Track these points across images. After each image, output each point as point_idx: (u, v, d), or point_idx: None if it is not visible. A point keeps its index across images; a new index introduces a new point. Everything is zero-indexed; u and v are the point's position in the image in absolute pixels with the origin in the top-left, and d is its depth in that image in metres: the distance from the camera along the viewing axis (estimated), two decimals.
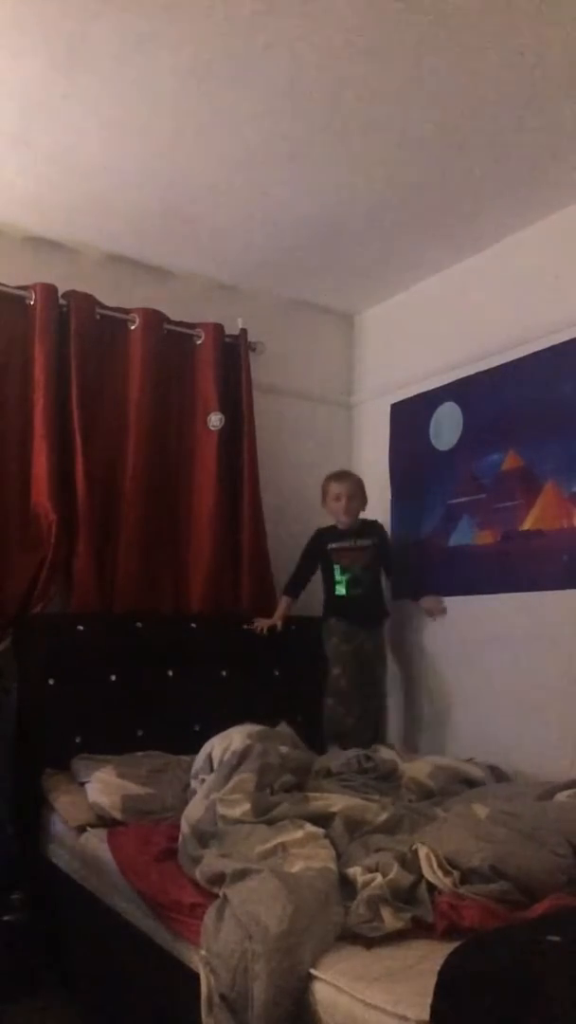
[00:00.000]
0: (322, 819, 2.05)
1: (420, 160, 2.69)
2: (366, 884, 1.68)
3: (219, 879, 1.77)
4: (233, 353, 3.50)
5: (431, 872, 1.73)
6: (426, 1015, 1.25)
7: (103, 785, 2.48)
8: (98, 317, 3.21)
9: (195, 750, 2.60)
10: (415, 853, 1.80)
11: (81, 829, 2.41)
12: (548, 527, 2.95)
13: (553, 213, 3.00)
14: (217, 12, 2.07)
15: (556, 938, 1.30)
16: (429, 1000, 1.25)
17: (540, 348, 3.03)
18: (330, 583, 3.36)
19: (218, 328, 3.45)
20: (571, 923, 1.44)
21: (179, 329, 3.40)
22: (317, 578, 3.40)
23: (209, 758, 2.48)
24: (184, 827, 2.11)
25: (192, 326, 3.44)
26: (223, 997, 1.52)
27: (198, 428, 3.40)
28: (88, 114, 2.47)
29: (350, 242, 3.26)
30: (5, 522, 2.97)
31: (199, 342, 3.44)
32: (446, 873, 1.72)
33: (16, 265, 3.09)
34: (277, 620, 3.29)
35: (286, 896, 1.58)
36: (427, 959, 1.43)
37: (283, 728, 2.78)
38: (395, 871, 1.70)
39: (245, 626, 3.27)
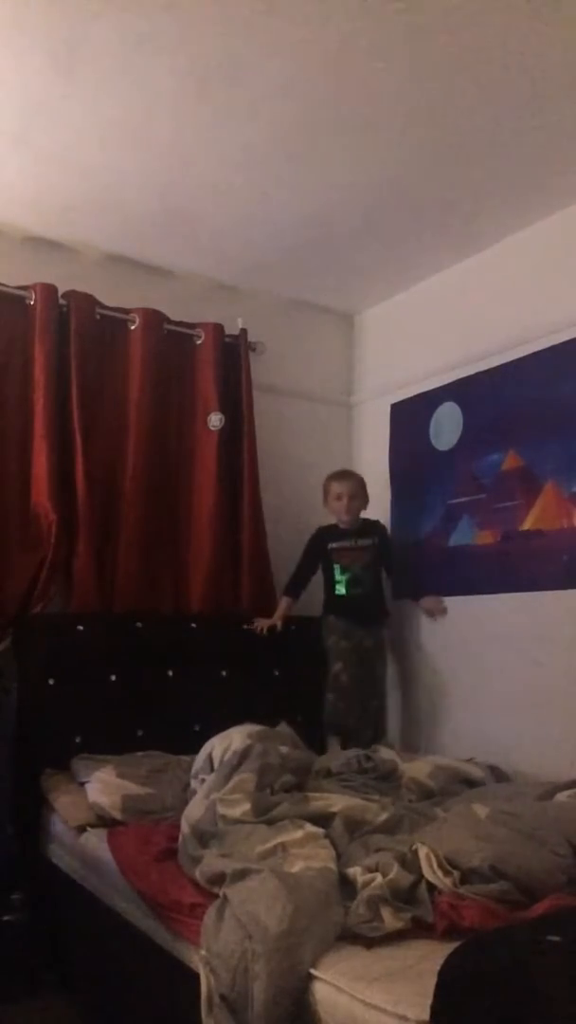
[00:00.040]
0: (322, 819, 2.05)
1: (420, 160, 2.69)
2: (366, 884, 1.67)
3: (219, 879, 1.77)
4: (233, 353, 3.50)
5: (431, 872, 1.72)
6: (426, 1015, 1.25)
7: (103, 785, 2.48)
8: (98, 317, 3.21)
9: (195, 750, 2.60)
10: (415, 853, 1.79)
11: (81, 829, 2.41)
12: (548, 527, 2.95)
13: (553, 213, 3.00)
14: (217, 12, 2.07)
15: (556, 938, 1.30)
16: (429, 1000, 1.25)
17: (540, 348, 3.02)
18: (330, 582, 3.36)
19: (218, 328, 3.45)
20: (571, 923, 1.44)
21: (179, 329, 3.40)
22: (317, 577, 3.40)
23: (209, 758, 2.48)
24: (184, 827, 2.11)
25: (192, 326, 3.44)
26: (223, 997, 1.52)
27: (198, 428, 3.40)
28: (88, 114, 2.47)
29: (350, 242, 3.26)
30: (5, 522, 2.97)
31: (199, 342, 3.44)
32: (446, 873, 1.72)
33: (16, 265, 3.09)
34: (277, 620, 3.29)
35: (286, 896, 1.58)
36: (427, 959, 1.42)
37: (283, 728, 2.78)
38: (395, 871, 1.70)
39: (245, 626, 3.27)
